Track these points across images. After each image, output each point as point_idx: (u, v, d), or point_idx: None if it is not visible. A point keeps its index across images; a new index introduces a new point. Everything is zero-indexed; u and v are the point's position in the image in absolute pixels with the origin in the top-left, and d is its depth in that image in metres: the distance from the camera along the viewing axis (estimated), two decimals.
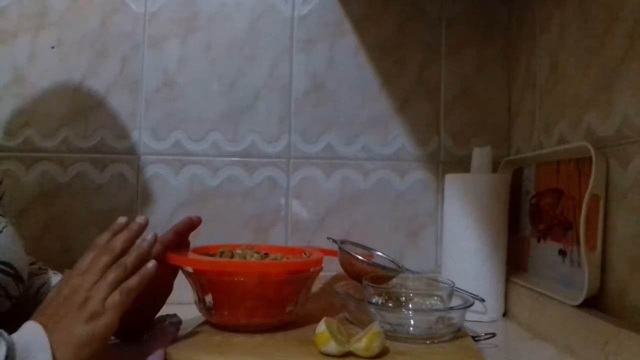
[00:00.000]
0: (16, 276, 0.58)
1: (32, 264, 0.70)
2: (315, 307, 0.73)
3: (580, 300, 0.62)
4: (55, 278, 0.70)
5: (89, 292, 0.50)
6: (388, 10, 0.99)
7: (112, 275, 0.52)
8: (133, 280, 0.53)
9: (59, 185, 0.95)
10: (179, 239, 0.67)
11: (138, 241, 0.57)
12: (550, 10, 0.81)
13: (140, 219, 0.58)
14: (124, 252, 0.55)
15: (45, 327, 0.47)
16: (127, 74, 0.97)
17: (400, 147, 0.98)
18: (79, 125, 0.96)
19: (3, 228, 0.59)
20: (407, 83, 0.99)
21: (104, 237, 0.56)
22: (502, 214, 0.82)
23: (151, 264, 0.55)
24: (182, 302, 0.71)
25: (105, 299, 0.50)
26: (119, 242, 0.55)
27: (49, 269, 0.74)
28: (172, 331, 0.63)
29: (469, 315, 0.71)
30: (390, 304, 0.71)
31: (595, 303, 0.63)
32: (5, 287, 0.57)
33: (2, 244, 0.57)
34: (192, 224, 0.68)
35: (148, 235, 0.57)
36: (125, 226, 0.57)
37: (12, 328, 0.48)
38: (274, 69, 0.98)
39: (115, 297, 0.51)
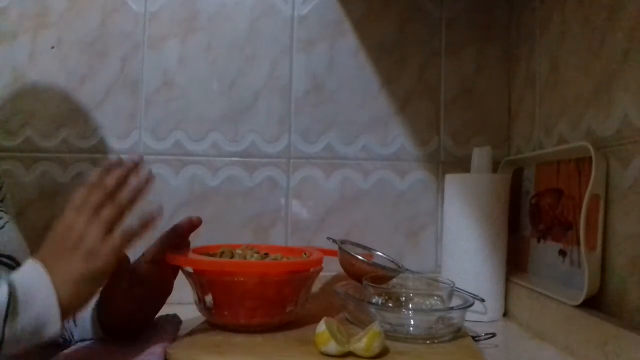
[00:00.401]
0: None
1: None
2: (315, 307, 0.73)
3: (580, 301, 0.62)
4: None
5: (83, 230, 0.50)
6: (388, 10, 0.99)
7: (105, 213, 0.51)
8: (136, 226, 0.52)
9: (59, 185, 0.95)
10: (179, 239, 0.67)
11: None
12: (550, 10, 0.81)
13: (133, 156, 0.56)
14: (116, 188, 0.53)
15: (44, 264, 0.47)
16: (127, 74, 0.97)
17: (400, 147, 0.98)
18: (79, 125, 0.96)
19: (5, 224, 0.60)
20: (407, 83, 0.99)
21: (96, 174, 0.54)
22: (502, 214, 0.82)
23: (157, 208, 0.53)
24: (182, 302, 0.71)
25: (100, 237, 0.50)
26: (111, 178, 0.53)
27: None
28: (172, 331, 0.63)
29: (469, 315, 0.71)
30: (390, 304, 0.71)
31: (595, 303, 0.63)
32: None
33: (5, 238, 0.58)
34: (192, 225, 0.68)
35: (143, 172, 0.55)
36: (117, 164, 0.55)
37: None
38: (274, 69, 0.98)
39: (115, 239, 0.50)
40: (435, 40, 0.99)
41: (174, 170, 0.96)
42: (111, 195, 0.52)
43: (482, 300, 0.79)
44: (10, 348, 0.44)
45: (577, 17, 0.73)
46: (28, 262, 0.48)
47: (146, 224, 0.53)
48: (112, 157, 0.56)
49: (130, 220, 0.54)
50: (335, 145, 0.98)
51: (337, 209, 0.97)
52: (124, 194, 0.53)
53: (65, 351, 0.59)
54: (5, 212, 0.63)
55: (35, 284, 0.46)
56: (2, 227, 0.59)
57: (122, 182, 0.54)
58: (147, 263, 0.65)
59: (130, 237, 0.52)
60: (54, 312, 0.46)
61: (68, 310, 0.48)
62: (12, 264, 0.57)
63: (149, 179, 0.55)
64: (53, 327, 0.46)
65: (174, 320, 0.68)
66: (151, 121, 0.96)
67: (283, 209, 0.97)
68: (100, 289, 0.65)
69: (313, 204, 0.97)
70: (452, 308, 0.66)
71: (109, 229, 0.51)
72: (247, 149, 0.97)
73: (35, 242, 0.62)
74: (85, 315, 0.63)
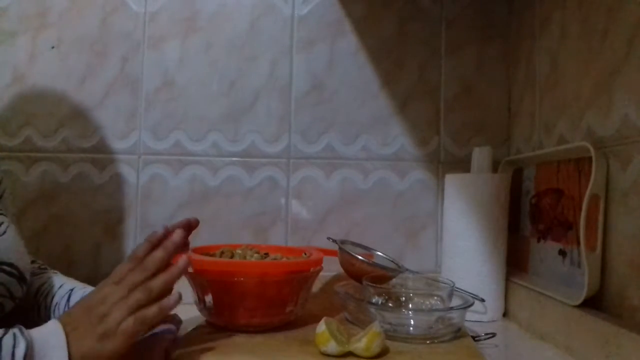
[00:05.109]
0: (20, 277, 0.58)
1: (31, 262, 0.70)
2: (315, 307, 0.73)
3: (580, 300, 0.62)
4: (55, 277, 0.70)
5: (109, 309, 0.50)
6: (388, 10, 0.99)
7: (135, 298, 0.51)
8: (151, 310, 0.51)
9: (59, 185, 0.95)
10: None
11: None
12: (550, 10, 0.81)
13: (177, 236, 0.56)
14: (157, 272, 0.54)
15: (65, 328, 0.48)
16: (127, 74, 0.97)
17: (400, 147, 0.98)
18: (79, 125, 0.96)
19: (6, 229, 0.59)
20: (407, 83, 0.99)
21: (142, 249, 0.55)
22: (502, 214, 0.82)
23: (174, 296, 0.53)
24: (182, 302, 0.71)
25: (120, 320, 0.49)
26: (153, 262, 0.54)
27: (49, 268, 0.74)
28: (172, 331, 0.63)
29: (469, 315, 0.71)
30: (390, 304, 0.71)
31: (595, 303, 0.63)
32: (9, 289, 0.57)
33: (6, 245, 0.58)
34: (190, 226, 0.68)
35: (181, 261, 0.56)
36: (162, 239, 0.56)
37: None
38: (274, 69, 0.98)
39: (129, 322, 0.50)
40: (435, 40, 0.99)
41: (174, 170, 0.96)
42: (148, 277, 0.53)
43: (482, 300, 0.79)
44: None
45: (577, 17, 0.73)
46: (53, 325, 0.48)
47: (164, 312, 0.52)
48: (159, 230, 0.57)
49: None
50: (335, 145, 0.98)
51: (337, 209, 0.97)
52: (157, 282, 0.53)
53: None
54: (5, 215, 0.62)
55: (52, 350, 0.46)
56: (4, 232, 0.59)
57: (162, 266, 0.54)
58: None
59: (146, 324, 0.51)
60: None
61: None
62: (13, 271, 0.57)
63: (187, 266, 0.56)
64: None
65: (174, 320, 0.67)
66: (151, 121, 0.96)
67: (283, 209, 0.97)
68: None
69: (313, 204, 0.97)
70: (452, 308, 0.66)
71: (132, 312, 0.50)
72: (247, 149, 0.97)
73: (35, 242, 0.63)
74: None
